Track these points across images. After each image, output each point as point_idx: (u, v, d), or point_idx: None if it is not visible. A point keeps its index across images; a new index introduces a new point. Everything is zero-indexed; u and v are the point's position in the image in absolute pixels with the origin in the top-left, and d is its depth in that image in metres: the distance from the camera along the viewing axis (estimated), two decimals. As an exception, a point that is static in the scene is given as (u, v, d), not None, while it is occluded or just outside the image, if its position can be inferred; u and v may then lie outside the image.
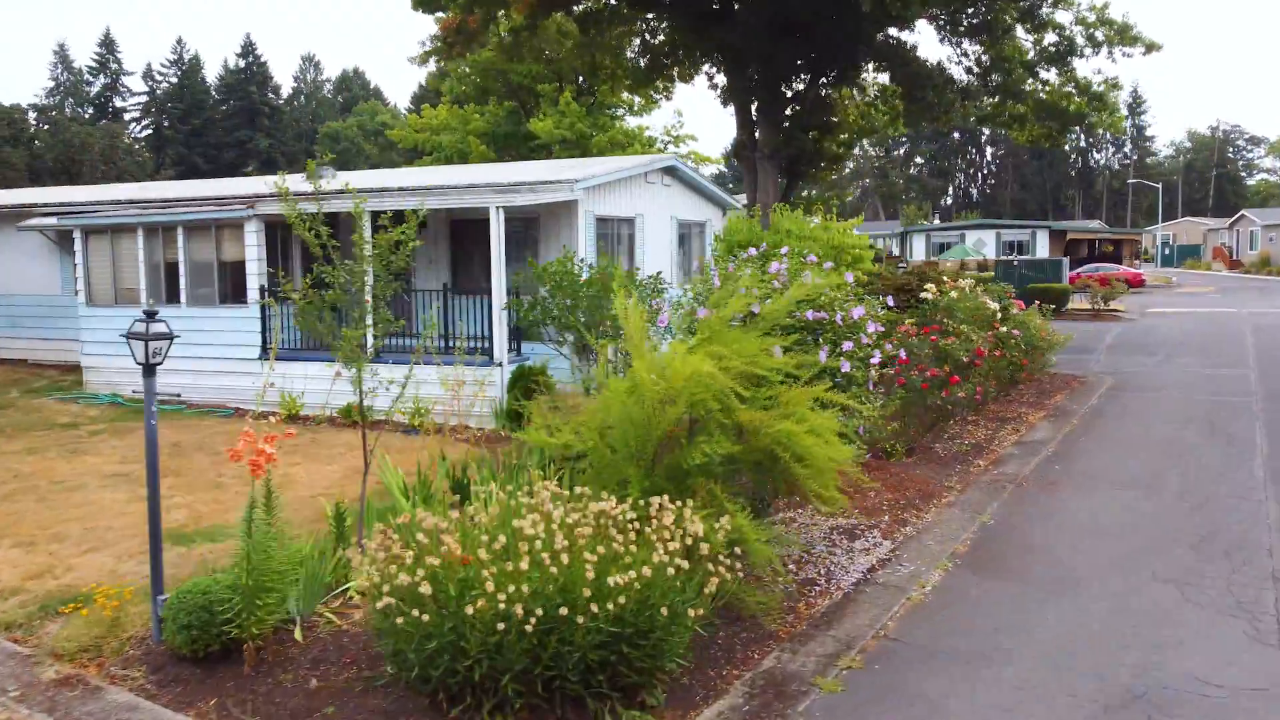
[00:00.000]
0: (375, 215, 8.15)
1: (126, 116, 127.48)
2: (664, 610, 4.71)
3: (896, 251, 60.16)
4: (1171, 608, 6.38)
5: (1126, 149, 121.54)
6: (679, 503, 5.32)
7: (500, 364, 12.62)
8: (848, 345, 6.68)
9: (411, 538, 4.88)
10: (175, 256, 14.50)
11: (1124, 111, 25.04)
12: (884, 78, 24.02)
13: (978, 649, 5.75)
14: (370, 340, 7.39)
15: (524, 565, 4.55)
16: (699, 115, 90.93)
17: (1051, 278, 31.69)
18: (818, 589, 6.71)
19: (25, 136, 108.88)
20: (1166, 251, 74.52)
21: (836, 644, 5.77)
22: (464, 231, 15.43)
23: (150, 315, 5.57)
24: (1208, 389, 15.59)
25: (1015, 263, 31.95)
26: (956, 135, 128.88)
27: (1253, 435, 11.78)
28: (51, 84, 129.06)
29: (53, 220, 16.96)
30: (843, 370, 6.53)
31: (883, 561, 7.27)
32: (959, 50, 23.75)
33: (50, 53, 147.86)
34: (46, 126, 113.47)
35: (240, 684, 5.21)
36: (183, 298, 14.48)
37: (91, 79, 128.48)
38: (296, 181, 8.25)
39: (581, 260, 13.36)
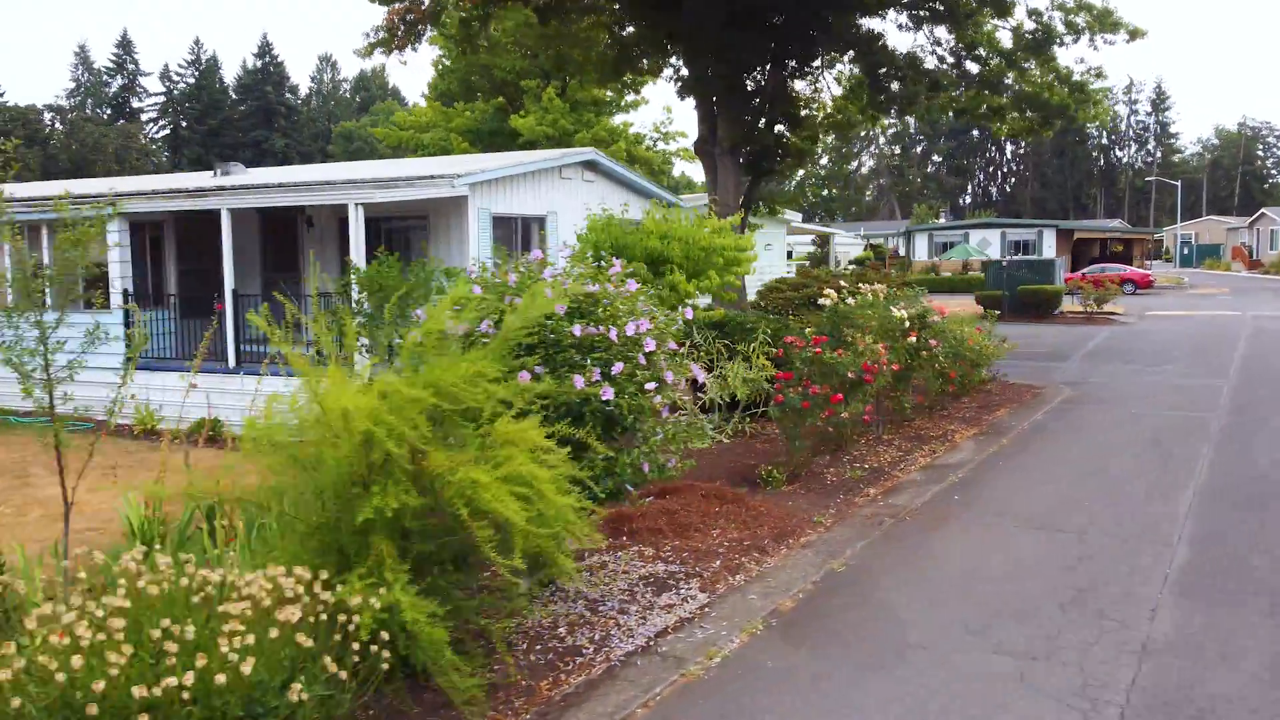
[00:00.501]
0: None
1: (144, 117, 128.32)
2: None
3: (903, 252, 58.61)
4: (1001, 692, 5.17)
5: (1150, 146, 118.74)
6: (326, 573, 4.22)
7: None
8: (617, 368, 5.52)
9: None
10: (41, 257, 13.55)
11: (1111, 102, 23.38)
12: (853, 68, 22.66)
13: (727, 752, 4.60)
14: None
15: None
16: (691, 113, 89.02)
17: (1043, 279, 30.18)
18: (580, 659, 5.56)
19: (40, 136, 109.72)
20: (1185, 251, 72.29)
21: (551, 743, 4.65)
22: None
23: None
24: (1172, 402, 14.24)
25: (1004, 263, 30.43)
26: (976, 133, 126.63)
27: (1196, 458, 10.47)
28: (73, 85, 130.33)
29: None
30: (604, 398, 5.37)
31: (682, 622, 6.10)
32: (931, 38, 22.39)
33: (71, 54, 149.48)
34: (62, 127, 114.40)
35: None
36: (48, 300, 13.51)
37: (109, 79, 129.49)
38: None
39: (474, 260, 12.27)
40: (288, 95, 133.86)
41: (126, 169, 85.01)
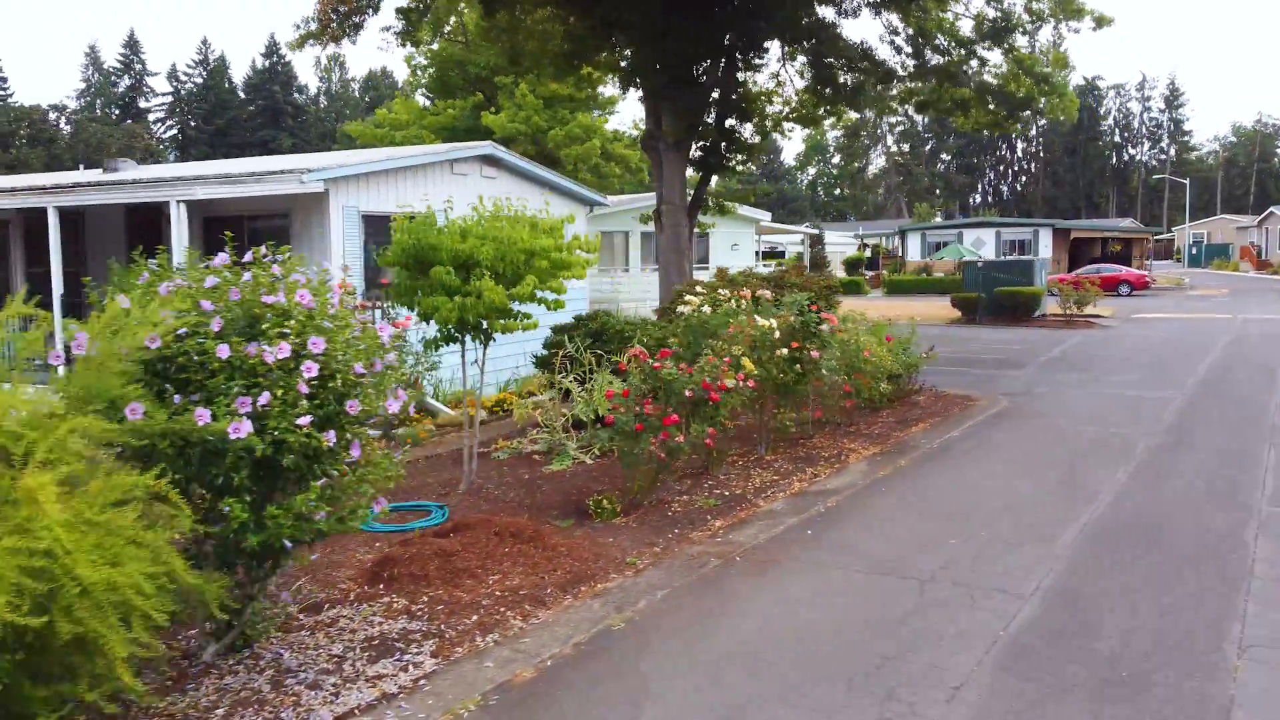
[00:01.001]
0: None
1: (151, 117, 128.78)
2: None
3: (901, 253, 57.24)
4: (709, 809, 4.12)
5: (1164, 143, 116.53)
6: None
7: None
8: (264, 398, 4.50)
9: None
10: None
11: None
12: (803, 59, 21.47)
13: None
14: None
15: None
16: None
17: (1021, 280, 28.94)
18: (215, 756, 4.55)
19: (44, 136, 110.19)
20: (1194, 251, 70.49)
21: None
22: (217, 228, 13.46)
23: None
24: (1110, 417, 13.08)
25: (980, 264, 29.16)
26: (985, 131, 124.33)
27: (1103, 487, 9.34)
28: (83, 85, 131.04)
29: None
30: (232, 435, 4.35)
31: (382, 699, 5.07)
32: (889, 27, 21.21)
33: (82, 54, 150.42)
34: (68, 126, 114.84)
35: None
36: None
37: (117, 79, 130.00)
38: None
39: (342, 263, 11.31)
40: (295, 95, 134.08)
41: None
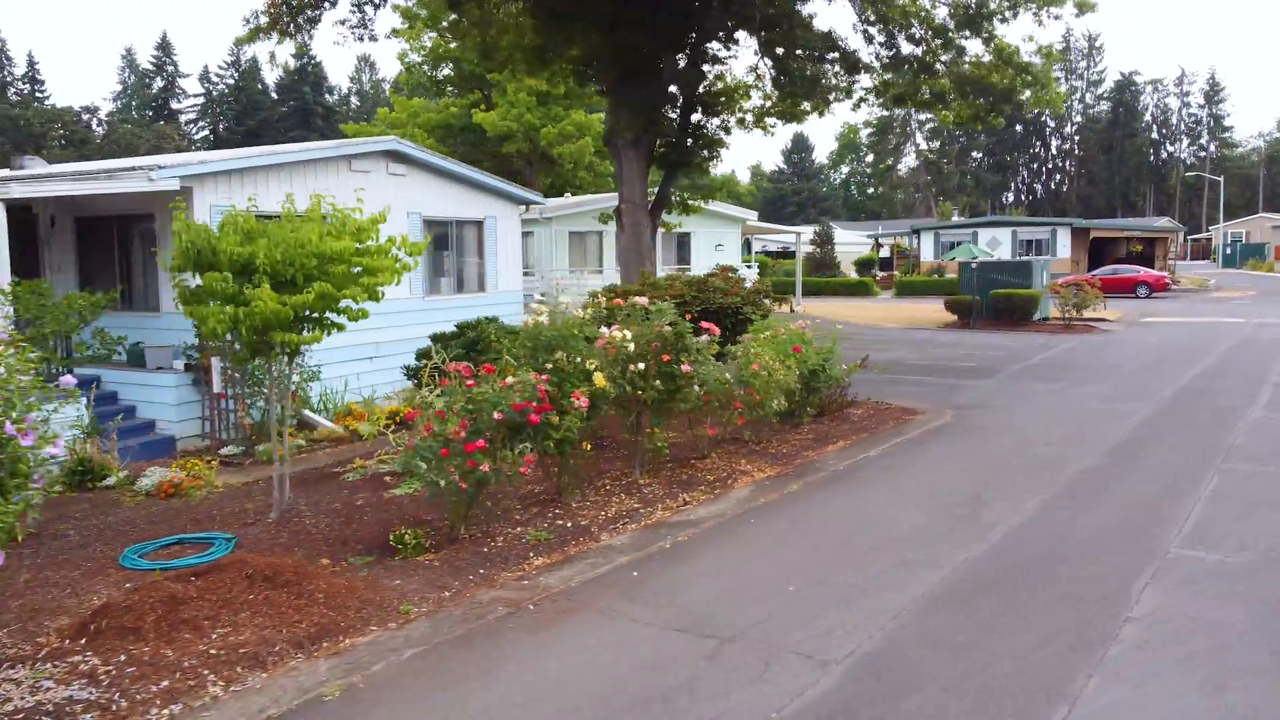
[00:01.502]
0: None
1: (183, 118, 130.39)
2: None
3: (916, 253, 55.59)
4: None
5: (1203, 140, 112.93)
6: None
7: None
8: None
9: None
10: None
11: (1060, 86, 20.35)
12: (760, 49, 20.36)
13: None
14: None
15: None
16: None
17: (1020, 282, 27.53)
18: None
19: (76, 138, 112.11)
20: (1229, 251, 67.90)
21: None
22: (89, 231, 12.75)
23: None
24: (1057, 434, 11.91)
25: (974, 265, 27.74)
26: (1019, 128, 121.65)
27: (1002, 521, 8.24)
28: (119, 87, 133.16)
29: None
30: None
31: (-27, 797, 4.23)
32: (863, 17, 20.05)
33: (119, 56, 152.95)
34: (101, 128, 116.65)
35: None
36: None
37: (150, 81, 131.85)
38: None
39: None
40: (325, 95, 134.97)
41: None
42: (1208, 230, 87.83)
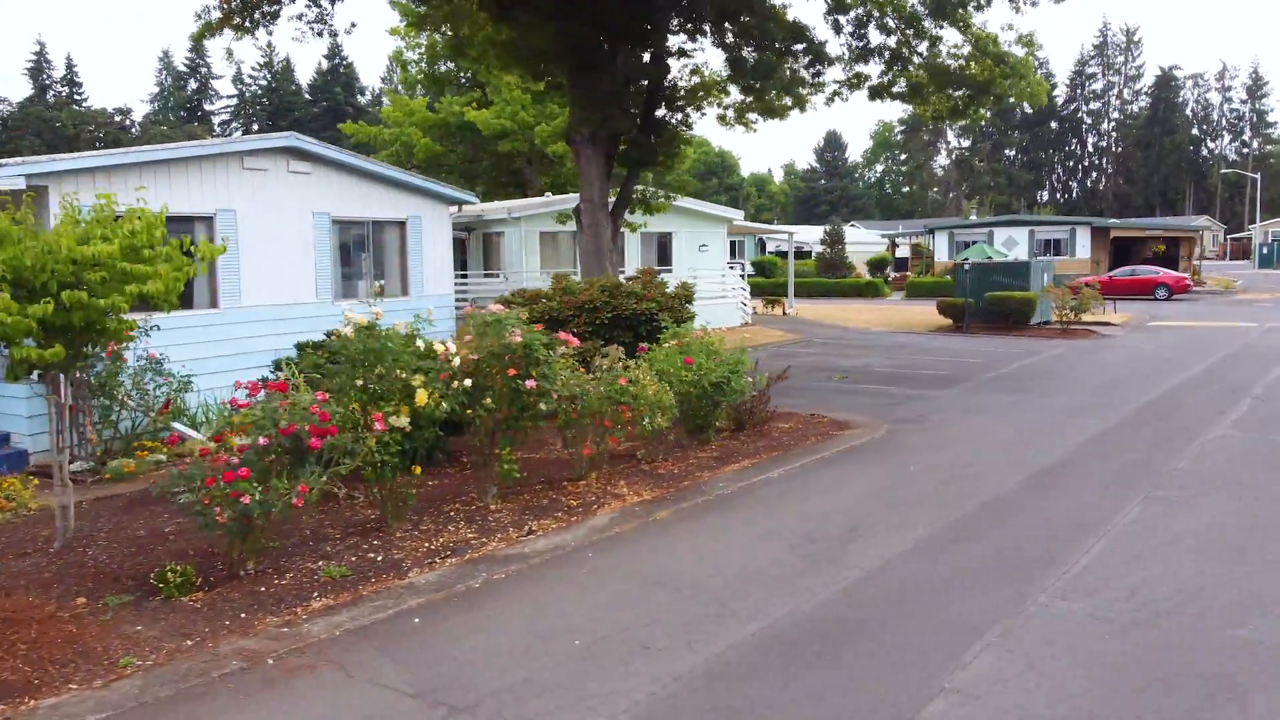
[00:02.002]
0: None
1: (216, 120, 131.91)
2: None
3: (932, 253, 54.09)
4: None
5: (1245, 136, 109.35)
6: None
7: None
8: None
9: None
10: None
11: (1042, 77, 19.05)
12: (713, 40, 19.41)
13: None
14: None
15: None
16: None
17: (1017, 284, 26.29)
18: None
19: (110, 139, 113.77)
20: (1265, 250, 65.40)
21: None
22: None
23: None
24: (989, 453, 10.90)
25: (967, 267, 26.51)
26: (1054, 124, 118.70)
27: (866, 560, 7.30)
28: (156, 89, 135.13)
29: None
30: None
31: None
32: (831, 3, 19.03)
33: (155, 59, 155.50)
34: (135, 129, 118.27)
35: None
36: None
37: (184, 83, 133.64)
38: None
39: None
40: (357, 96, 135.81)
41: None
42: (1248, 229, 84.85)
